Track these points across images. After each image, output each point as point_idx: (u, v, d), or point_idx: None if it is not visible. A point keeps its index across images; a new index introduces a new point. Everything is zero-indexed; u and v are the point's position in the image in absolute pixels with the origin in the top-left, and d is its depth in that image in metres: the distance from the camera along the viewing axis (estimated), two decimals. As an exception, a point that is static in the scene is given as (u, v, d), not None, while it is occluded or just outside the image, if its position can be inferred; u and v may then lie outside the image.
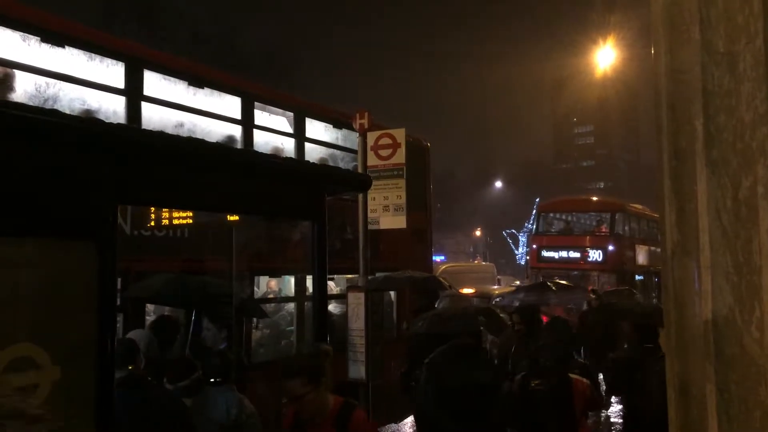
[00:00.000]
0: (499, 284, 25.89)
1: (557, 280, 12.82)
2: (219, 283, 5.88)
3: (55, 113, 2.02)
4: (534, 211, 38.00)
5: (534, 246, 21.15)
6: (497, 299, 13.85)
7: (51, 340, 1.86)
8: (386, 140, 8.07)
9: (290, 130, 8.81)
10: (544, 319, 9.23)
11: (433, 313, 5.99)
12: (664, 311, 1.55)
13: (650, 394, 4.93)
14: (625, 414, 6.06)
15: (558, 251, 19.67)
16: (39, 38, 5.89)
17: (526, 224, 54.98)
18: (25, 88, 5.87)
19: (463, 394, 4.74)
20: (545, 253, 19.92)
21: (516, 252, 59.64)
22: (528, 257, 25.85)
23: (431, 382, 4.93)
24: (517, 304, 9.08)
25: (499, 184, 70.56)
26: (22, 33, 5.79)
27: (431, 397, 4.91)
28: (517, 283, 25.59)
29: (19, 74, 5.78)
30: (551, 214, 21.94)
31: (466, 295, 14.38)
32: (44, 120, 1.94)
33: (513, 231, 59.77)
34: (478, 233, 66.84)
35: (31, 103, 5.79)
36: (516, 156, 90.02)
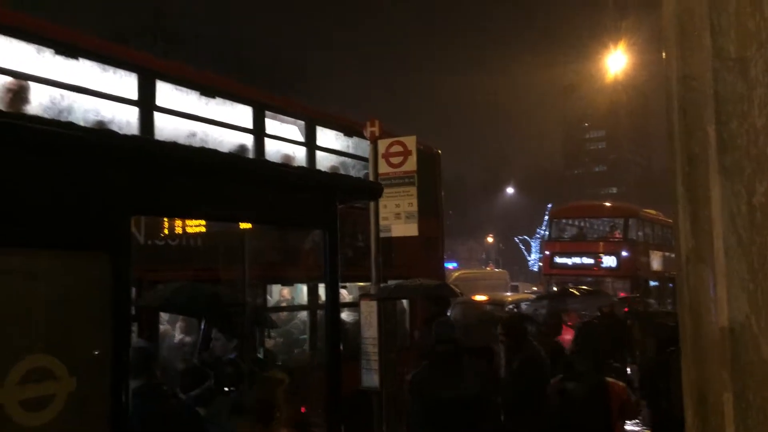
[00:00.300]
0: (516, 291, 25.79)
1: (576, 286, 12.78)
2: (229, 292, 5.90)
3: (71, 126, 2.05)
4: (546, 217, 37.86)
5: (547, 252, 21.06)
6: (510, 306, 13.81)
7: (67, 351, 1.88)
8: (397, 148, 8.08)
9: (301, 139, 8.85)
10: (564, 327, 9.17)
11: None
12: (679, 319, 1.54)
13: (675, 397, 4.91)
14: (653, 418, 6.05)
15: (571, 257, 19.57)
16: (53, 51, 5.96)
17: (538, 230, 54.75)
18: (40, 101, 5.93)
19: (448, 407, 4.58)
20: (558, 260, 19.83)
21: (528, 258, 59.38)
22: (541, 264, 25.73)
23: (416, 400, 4.81)
24: (544, 311, 9.06)
25: (510, 190, 70.36)
26: (36, 46, 5.86)
27: (418, 414, 4.80)
28: (534, 289, 25.46)
29: (34, 86, 5.85)
30: (564, 220, 21.86)
31: (479, 303, 14.34)
32: (60, 132, 1.97)
33: (525, 237, 59.51)
34: (490, 240, 66.61)
35: (46, 116, 5.85)
36: (527, 161, 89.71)
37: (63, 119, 5.44)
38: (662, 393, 5.47)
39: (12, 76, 5.69)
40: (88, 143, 2.06)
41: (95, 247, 2.02)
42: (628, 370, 9.85)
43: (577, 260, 19.35)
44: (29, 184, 1.91)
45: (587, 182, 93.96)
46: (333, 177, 4.76)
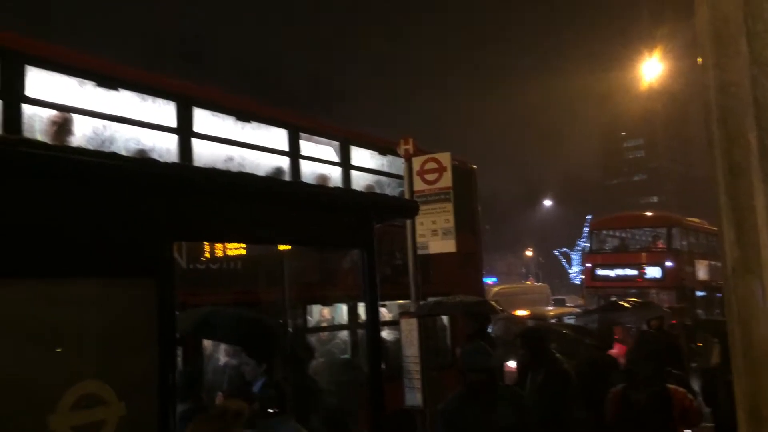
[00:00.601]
0: (562, 304, 25.45)
1: (623, 298, 12.55)
2: (258, 315, 5.86)
3: (114, 156, 2.11)
4: (586, 229, 37.30)
5: (588, 265, 20.72)
6: (553, 320, 13.60)
7: (115, 377, 1.92)
8: (432, 165, 8.08)
9: (336, 159, 8.93)
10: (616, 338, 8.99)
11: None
12: (728, 330, 1.50)
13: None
14: (715, 426, 5.94)
15: (613, 269, 19.20)
16: (94, 83, 6.16)
17: (578, 242, 53.98)
18: (83, 132, 6.12)
19: None
20: (600, 272, 19.48)
21: (569, 271, 58.48)
22: (582, 276, 25.32)
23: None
24: (595, 325, 8.94)
25: (548, 202, 69.59)
26: (79, 79, 6.07)
27: None
28: (580, 302, 25.08)
29: (77, 118, 6.04)
30: (604, 232, 21.50)
31: (521, 318, 14.18)
32: (103, 163, 2.03)
33: (566, 250, 58.67)
34: (529, 253, 65.86)
35: (89, 146, 6.04)
36: (564, 172, 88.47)
37: (106, 149, 5.61)
38: (723, 400, 5.35)
39: (57, 109, 5.89)
40: (130, 172, 2.12)
41: (139, 274, 2.07)
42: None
43: (620, 272, 18.98)
44: (75, 214, 1.97)
45: (627, 192, 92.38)
46: (368, 197, 4.79)
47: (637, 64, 27.94)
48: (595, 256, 20.45)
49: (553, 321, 13.54)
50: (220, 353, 7.26)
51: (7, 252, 1.79)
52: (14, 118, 5.45)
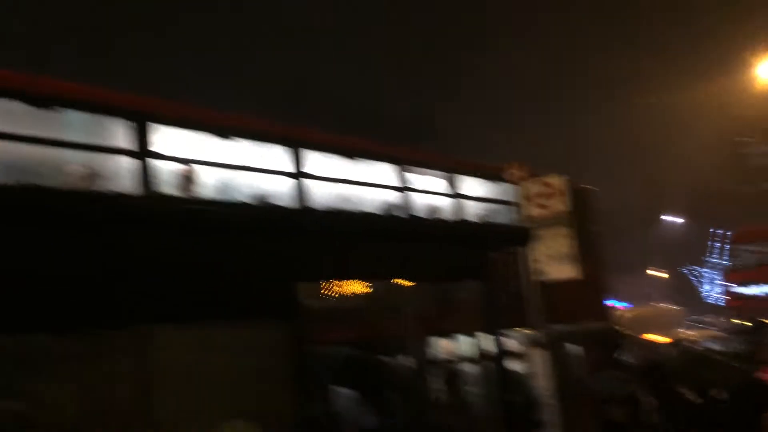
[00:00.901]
0: (703, 326, 24.04)
1: None
2: (364, 355, 5.73)
3: (246, 206, 2.19)
4: (721, 244, 34.77)
5: (729, 282, 19.28)
6: (692, 345, 12.73)
7: (260, 414, 1.97)
8: (545, 189, 7.84)
9: (445, 190, 8.89)
10: None
11: None
12: None
13: None
14: None
15: (759, 286, 17.73)
16: (215, 135, 6.51)
17: (706, 258, 50.41)
18: (209, 182, 6.47)
19: None
20: (743, 290, 18.05)
21: (700, 290, 54.52)
22: (720, 295, 23.59)
23: None
24: (743, 347, 8.46)
25: (671, 218, 65.56)
26: (200, 132, 6.44)
27: None
28: (720, 322, 23.45)
29: (202, 169, 6.38)
30: (746, 246, 19.97)
31: (653, 343, 13.39)
32: (236, 213, 2.11)
33: (695, 267, 54.89)
34: (658, 273, 62.08)
35: (213, 195, 6.36)
36: (685, 184, 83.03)
37: (227, 197, 5.87)
38: None
39: (182, 163, 6.26)
40: (261, 220, 2.19)
41: (274, 316, 2.12)
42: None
43: (766, 289, 17.50)
44: (213, 262, 2.05)
45: (760, 201, 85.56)
46: (481, 226, 4.69)
47: (753, 67, 25.89)
48: (736, 273, 19.03)
49: (690, 345, 12.67)
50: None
51: (159, 301, 1.89)
52: (146, 174, 5.83)
